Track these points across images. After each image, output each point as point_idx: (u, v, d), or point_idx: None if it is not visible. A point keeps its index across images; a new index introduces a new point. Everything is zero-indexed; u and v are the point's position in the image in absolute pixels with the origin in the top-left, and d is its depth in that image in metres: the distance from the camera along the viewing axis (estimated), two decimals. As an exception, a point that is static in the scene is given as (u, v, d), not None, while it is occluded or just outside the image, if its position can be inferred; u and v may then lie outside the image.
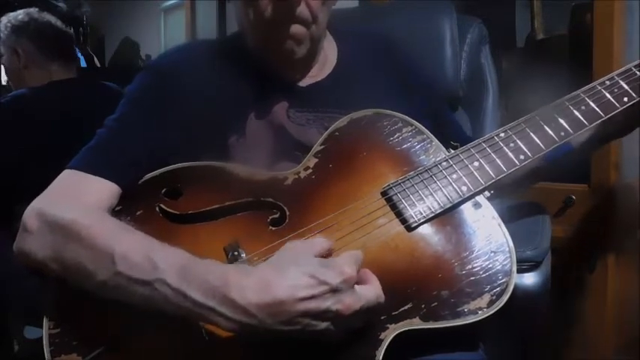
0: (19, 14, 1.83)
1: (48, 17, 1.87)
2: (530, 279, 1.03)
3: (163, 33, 4.48)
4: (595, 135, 1.01)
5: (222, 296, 0.71)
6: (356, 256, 0.76)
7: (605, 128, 0.99)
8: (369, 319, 0.76)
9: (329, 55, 1.04)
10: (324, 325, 0.72)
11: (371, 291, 0.74)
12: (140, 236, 0.78)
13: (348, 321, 0.73)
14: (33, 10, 1.85)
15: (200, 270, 0.73)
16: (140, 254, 0.75)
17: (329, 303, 0.71)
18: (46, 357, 0.78)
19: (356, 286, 0.74)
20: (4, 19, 1.83)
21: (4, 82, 2.32)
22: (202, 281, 0.72)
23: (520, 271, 0.98)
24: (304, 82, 1.00)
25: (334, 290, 0.71)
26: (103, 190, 0.87)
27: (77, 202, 0.84)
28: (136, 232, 0.80)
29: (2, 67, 2.03)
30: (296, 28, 0.92)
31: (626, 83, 0.93)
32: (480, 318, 0.78)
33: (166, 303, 0.73)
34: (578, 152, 1.03)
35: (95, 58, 3.39)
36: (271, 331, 0.71)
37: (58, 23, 1.88)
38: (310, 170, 0.89)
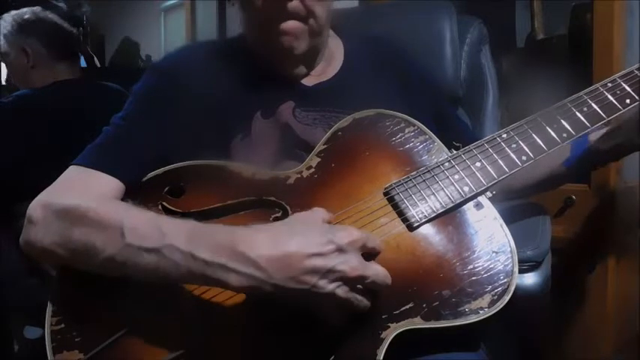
0: (25, 13, 1.81)
1: (54, 17, 1.86)
2: (530, 279, 1.03)
3: (163, 33, 4.48)
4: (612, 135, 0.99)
5: (232, 251, 0.72)
6: (368, 233, 0.78)
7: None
8: (374, 305, 0.76)
9: (335, 54, 1.05)
10: (330, 287, 0.72)
11: (379, 268, 0.76)
12: (146, 210, 0.80)
13: (354, 285, 0.74)
14: (38, 9, 1.84)
15: (208, 231, 0.75)
16: (148, 224, 0.76)
17: (336, 262, 0.72)
18: (48, 353, 0.78)
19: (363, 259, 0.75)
20: (8, 17, 1.81)
21: (4, 82, 2.31)
22: (211, 241, 0.74)
23: (520, 271, 0.97)
24: (310, 82, 1.01)
25: (341, 250, 0.73)
26: (108, 185, 0.88)
27: (82, 193, 0.85)
28: (142, 208, 0.82)
29: (3, 66, 2.02)
30: (290, 24, 0.92)
31: (628, 85, 0.93)
32: (481, 318, 0.78)
33: (176, 269, 0.74)
34: (594, 152, 1.02)
35: (95, 58, 3.38)
36: (279, 288, 0.71)
37: (65, 24, 1.87)
38: (313, 169, 0.90)
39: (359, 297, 0.75)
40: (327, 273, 0.72)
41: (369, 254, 0.77)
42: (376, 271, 0.75)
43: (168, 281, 0.76)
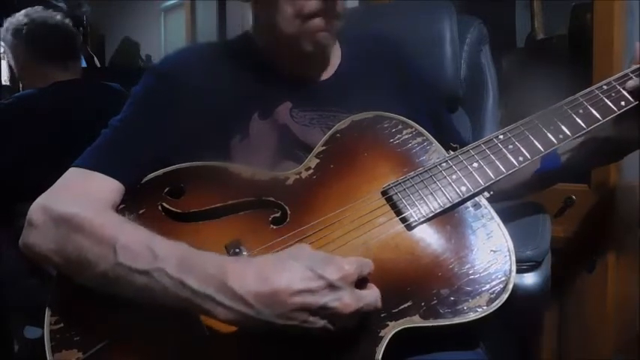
0: (26, 13, 1.82)
1: (55, 17, 1.86)
2: (530, 279, 1.03)
3: (163, 33, 4.49)
4: (585, 153, 1.01)
5: (221, 284, 0.71)
6: (361, 260, 0.76)
7: (597, 149, 0.99)
8: (365, 321, 0.76)
9: (332, 55, 1.05)
10: (321, 323, 0.72)
11: (371, 295, 0.74)
12: (141, 229, 0.80)
13: (346, 321, 0.73)
14: (39, 9, 1.83)
15: (199, 260, 0.74)
16: (140, 245, 0.76)
17: (327, 299, 0.71)
18: (47, 352, 0.79)
19: (356, 290, 0.74)
20: (11, 17, 1.82)
21: (4, 82, 2.31)
22: (201, 270, 0.73)
23: (520, 271, 0.98)
24: (307, 82, 1.01)
25: (332, 286, 0.71)
26: (108, 187, 0.88)
27: (82, 198, 0.85)
28: (137, 225, 0.81)
29: (4, 66, 2.02)
30: (334, 22, 0.94)
31: (623, 88, 0.94)
32: (480, 316, 0.79)
33: (165, 293, 0.74)
34: (565, 170, 1.03)
35: (95, 58, 3.39)
36: (268, 324, 0.71)
37: (65, 24, 1.87)
38: (312, 170, 0.90)
39: (350, 323, 0.74)
40: (319, 310, 0.71)
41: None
42: (368, 299, 0.74)
43: (158, 305, 0.75)
